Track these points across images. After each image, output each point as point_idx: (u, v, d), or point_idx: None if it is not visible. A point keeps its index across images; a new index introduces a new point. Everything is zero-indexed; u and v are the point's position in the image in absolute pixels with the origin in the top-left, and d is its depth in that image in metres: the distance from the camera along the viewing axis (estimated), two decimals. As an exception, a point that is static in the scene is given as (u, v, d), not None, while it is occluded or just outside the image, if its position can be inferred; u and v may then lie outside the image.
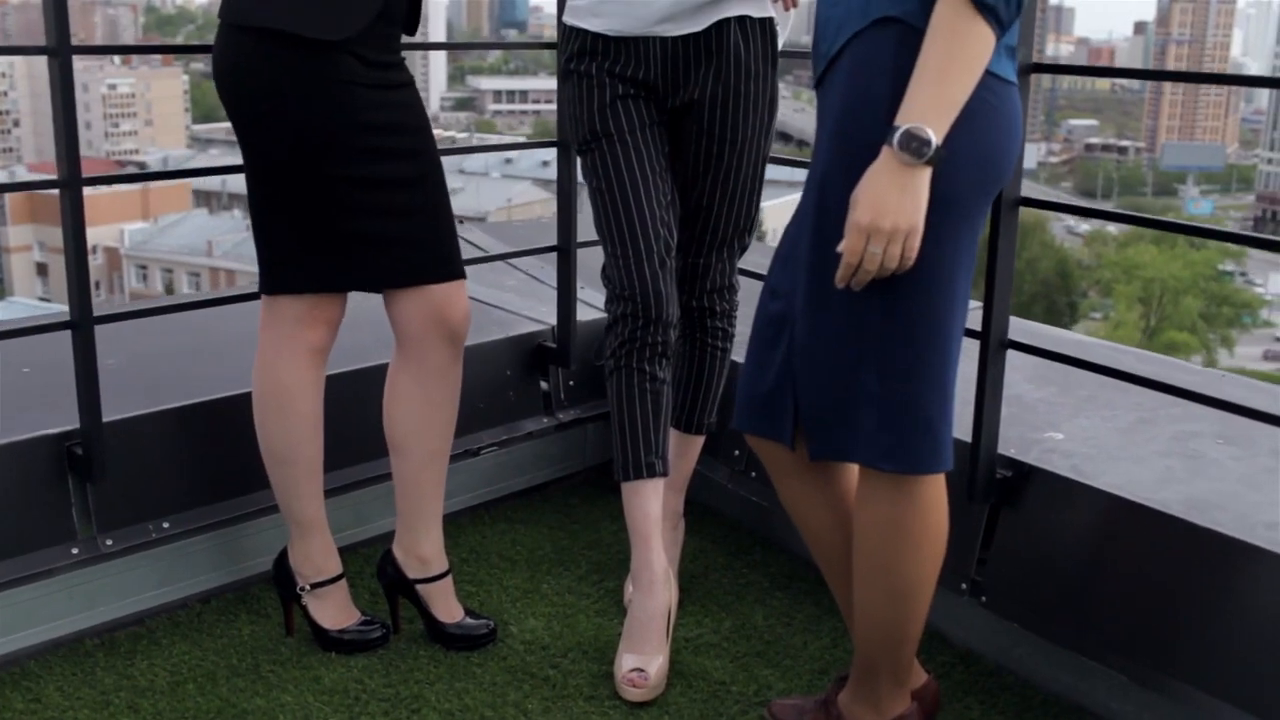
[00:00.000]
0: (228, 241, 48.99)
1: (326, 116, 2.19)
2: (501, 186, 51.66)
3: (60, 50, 2.28)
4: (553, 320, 3.25)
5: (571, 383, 3.28)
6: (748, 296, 2.47)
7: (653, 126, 2.43)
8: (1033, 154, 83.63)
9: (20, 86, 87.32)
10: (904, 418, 1.84)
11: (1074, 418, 2.67)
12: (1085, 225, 68.93)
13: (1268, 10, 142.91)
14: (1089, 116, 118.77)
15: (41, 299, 49.33)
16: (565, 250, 3.15)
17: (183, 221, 54.00)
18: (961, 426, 2.25)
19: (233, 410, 2.58)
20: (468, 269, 2.43)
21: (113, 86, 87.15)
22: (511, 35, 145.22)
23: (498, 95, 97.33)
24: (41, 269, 56.76)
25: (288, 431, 2.38)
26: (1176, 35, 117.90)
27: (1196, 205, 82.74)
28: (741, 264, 2.67)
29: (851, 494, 2.05)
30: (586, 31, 2.43)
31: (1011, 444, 2.49)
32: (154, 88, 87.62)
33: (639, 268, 2.37)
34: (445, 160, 2.44)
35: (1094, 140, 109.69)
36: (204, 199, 61.72)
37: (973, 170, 1.77)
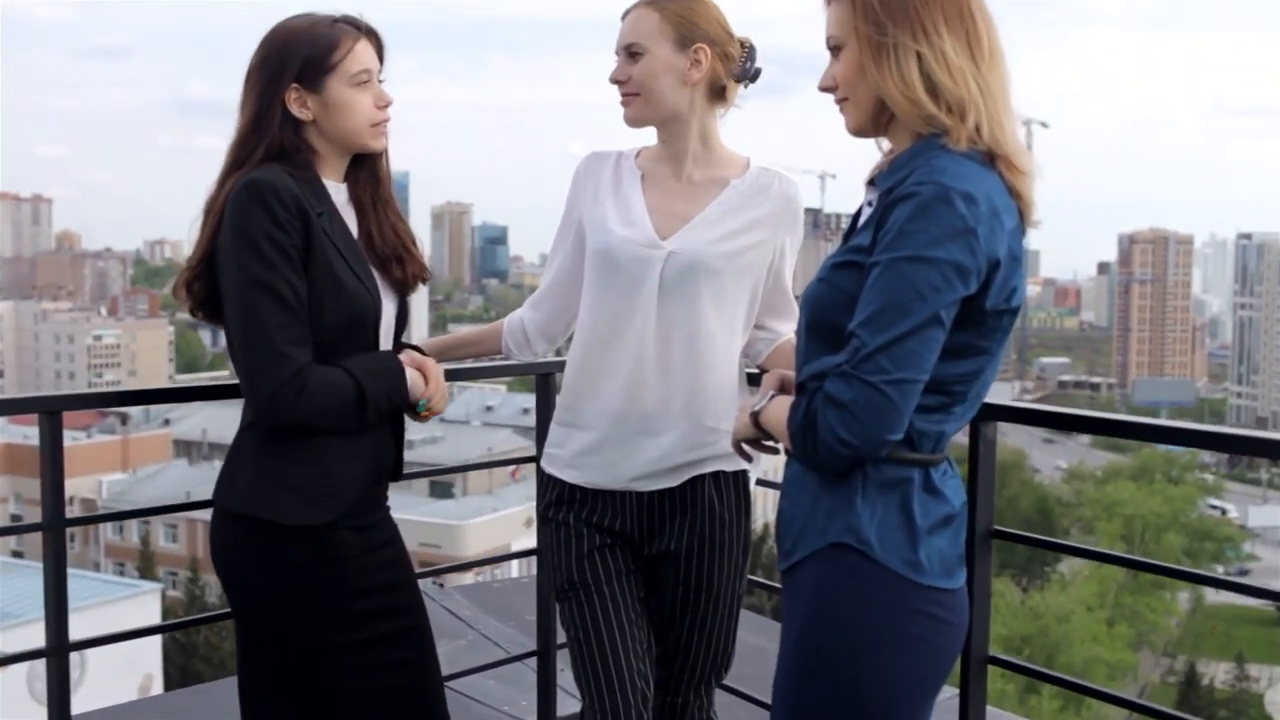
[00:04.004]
0: (206, 493, 48.66)
1: (319, 598, 2.26)
2: (481, 435, 51.90)
3: (55, 523, 2.35)
4: (533, 716, 3.25)
5: (553, 783, 3.26)
6: None
7: (629, 575, 2.50)
8: (1006, 392, 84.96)
9: (7, 338, 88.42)
10: None
11: None
12: (1063, 461, 69.48)
13: (1224, 249, 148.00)
14: (1060, 354, 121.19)
15: (15, 553, 48.61)
16: (545, 654, 3.19)
17: (162, 472, 53.81)
18: None
19: None
20: (450, 656, 2.46)
21: (98, 337, 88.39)
22: (492, 284, 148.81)
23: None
24: (15, 520, 56.13)
25: None
26: (1139, 274, 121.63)
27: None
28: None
29: None
30: (564, 482, 2.53)
31: None
32: (139, 338, 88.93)
33: (617, 725, 2.40)
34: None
35: (1066, 377, 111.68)
36: (184, 449, 61.67)
37: (918, 685, 1.85)
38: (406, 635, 2.38)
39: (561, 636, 3.14)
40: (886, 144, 1.93)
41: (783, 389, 2.03)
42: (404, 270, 2.41)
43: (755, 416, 2.00)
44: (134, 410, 67.80)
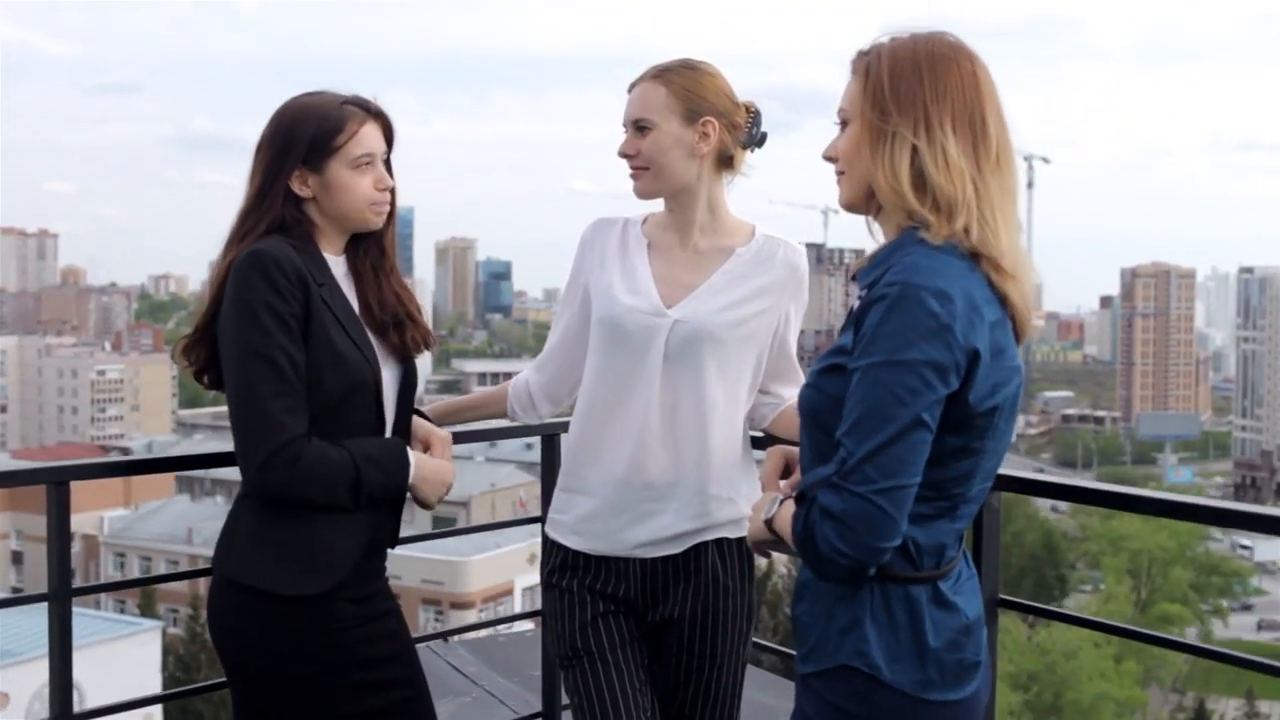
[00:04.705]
0: (208, 529, 48.62)
1: (316, 668, 2.26)
2: (485, 471, 51.83)
3: (61, 593, 2.35)
4: (538, 776, 3.24)
5: (557, 844, 3.24)
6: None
7: (632, 643, 2.49)
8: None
9: (10, 373, 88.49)
10: None
11: None
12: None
13: (1225, 283, 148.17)
14: (1064, 388, 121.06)
15: (15, 589, 48.48)
16: (550, 715, 3.17)
17: (164, 508, 53.66)
18: None
19: None
20: (454, 714, 2.45)
21: (101, 372, 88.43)
22: (496, 319, 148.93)
23: (482, 378, 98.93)
24: (16, 557, 55.90)
25: None
26: (1141, 308, 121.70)
27: (1177, 473, 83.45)
28: None
29: None
30: (567, 548, 2.53)
31: None
32: (142, 373, 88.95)
33: (620, 799, 2.39)
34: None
35: (1070, 411, 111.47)
36: (187, 484, 61.60)
37: None
38: (406, 707, 2.38)
39: (566, 698, 3.13)
40: (876, 226, 1.93)
41: (787, 467, 2.03)
42: (402, 336, 2.42)
43: (769, 524, 1.97)
44: (136, 444, 67.85)
